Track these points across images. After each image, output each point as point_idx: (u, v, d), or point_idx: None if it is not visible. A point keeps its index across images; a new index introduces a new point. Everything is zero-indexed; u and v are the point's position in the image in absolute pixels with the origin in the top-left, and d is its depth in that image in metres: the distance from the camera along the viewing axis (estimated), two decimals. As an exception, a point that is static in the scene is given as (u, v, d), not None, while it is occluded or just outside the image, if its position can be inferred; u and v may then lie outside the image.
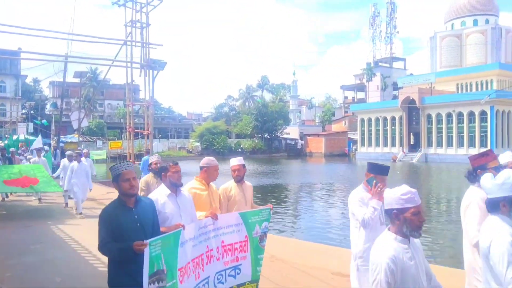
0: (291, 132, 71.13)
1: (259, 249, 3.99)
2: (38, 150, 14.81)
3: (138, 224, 3.03)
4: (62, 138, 30.34)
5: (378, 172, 3.70)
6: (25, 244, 7.85)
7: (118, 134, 58.27)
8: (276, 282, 5.67)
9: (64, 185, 11.34)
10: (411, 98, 53.19)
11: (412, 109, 54.33)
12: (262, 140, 66.51)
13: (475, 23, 68.28)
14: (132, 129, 16.69)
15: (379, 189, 3.55)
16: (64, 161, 12.56)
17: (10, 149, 15.52)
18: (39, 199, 12.85)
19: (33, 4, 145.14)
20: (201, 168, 4.27)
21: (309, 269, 6.10)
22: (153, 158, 6.54)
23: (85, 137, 50.26)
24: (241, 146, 62.86)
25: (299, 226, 13.46)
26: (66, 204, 11.72)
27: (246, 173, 4.65)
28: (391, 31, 79.62)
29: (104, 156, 40.84)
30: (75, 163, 10.87)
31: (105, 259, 6.53)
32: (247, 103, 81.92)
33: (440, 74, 61.54)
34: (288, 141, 70.35)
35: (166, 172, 3.67)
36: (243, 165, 4.58)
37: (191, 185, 4.17)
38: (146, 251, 2.71)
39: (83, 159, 11.71)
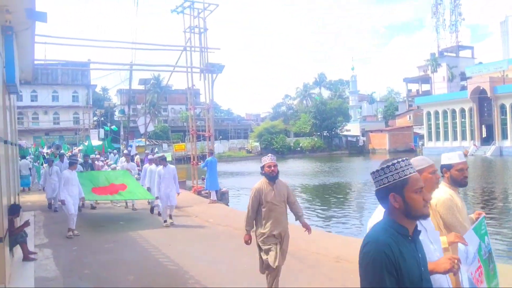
0: (352, 128, 69.37)
1: (489, 275, 2.79)
2: (127, 155, 15.15)
3: (423, 269, 1.91)
4: (131, 142, 31.95)
5: None
6: (99, 243, 8.30)
7: (182, 137, 60.37)
8: (341, 283, 5.52)
9: (154, 192, 10.56)
10: (481, 88, 49.72)
11: (483, 100, 50.74)
12: (321, 138, 65.51)
13: (553, 2, 62.44)
14: (194, 132, 17.12)
15: None
16: (148, 166, 12.21)
17: (91, 156, 16.38)
18: (133, 206, 12.61)
19: (99, 17, 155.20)
20: None
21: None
22: (266, 160, 4.86)
23: (152, 141, 52.60)
24: (300, 144, 62.38)
25: (364, 225, 13.05)
26: (159, 213, 10.88)
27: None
28: (456, 19, 75.00)
29: (170, 158, 42.37)
30: (160, 168, 10.18)
31: (175, 257, 6.83)
32: (304, 101, 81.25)
33: (514, 61, 56.97)
34: (349, 138, 68.70)
35: None
36: None
37: None
38: None
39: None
